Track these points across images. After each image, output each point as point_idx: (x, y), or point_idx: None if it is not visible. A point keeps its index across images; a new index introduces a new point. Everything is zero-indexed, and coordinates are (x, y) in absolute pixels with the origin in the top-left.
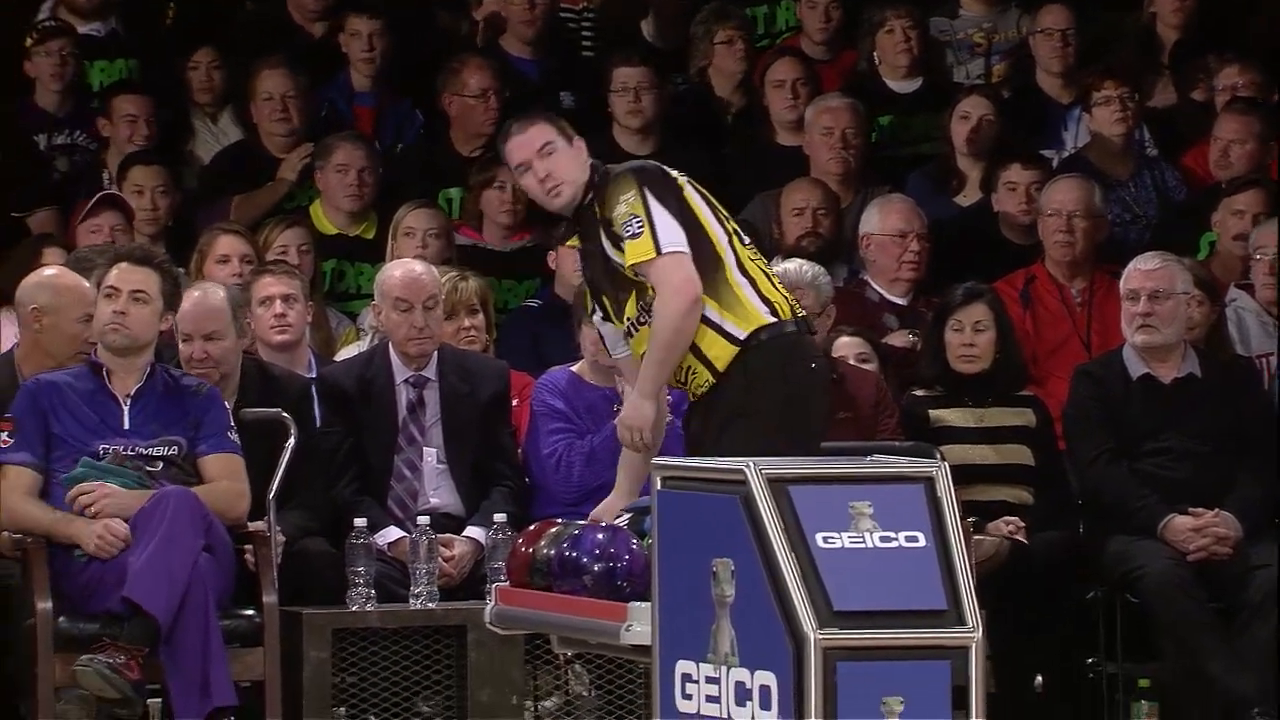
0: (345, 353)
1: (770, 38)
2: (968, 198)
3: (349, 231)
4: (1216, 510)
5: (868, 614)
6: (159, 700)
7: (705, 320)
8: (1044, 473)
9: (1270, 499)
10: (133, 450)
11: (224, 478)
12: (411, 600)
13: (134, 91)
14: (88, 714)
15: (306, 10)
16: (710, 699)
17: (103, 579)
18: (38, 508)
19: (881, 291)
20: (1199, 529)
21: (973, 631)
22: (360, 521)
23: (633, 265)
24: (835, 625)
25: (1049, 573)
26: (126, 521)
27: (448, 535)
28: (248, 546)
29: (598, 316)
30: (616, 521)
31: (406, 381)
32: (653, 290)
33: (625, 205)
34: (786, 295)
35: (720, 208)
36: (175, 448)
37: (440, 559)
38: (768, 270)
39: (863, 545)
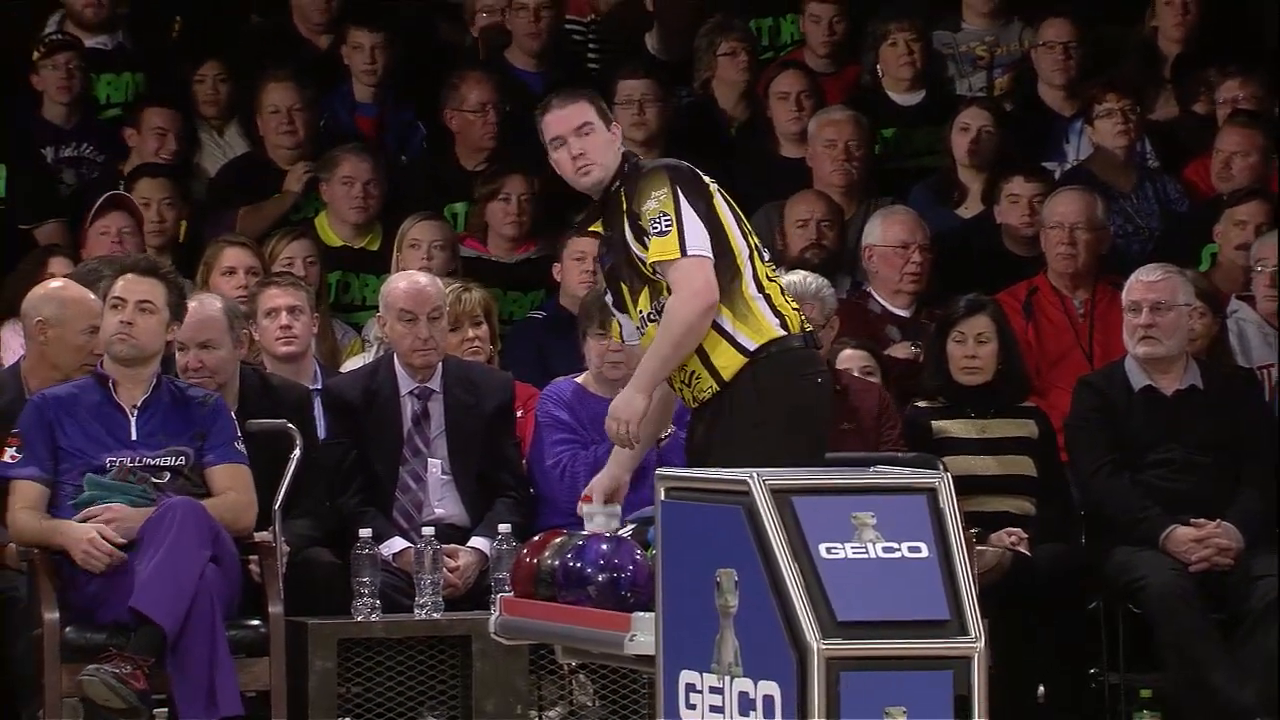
0: (351, 364)
1: (774, 50)
2: (969, 210)
3: (354, 243)
4: (1218, 521)
5: (871, 624)
6: (165, 710)
7: (717, 328)
8: (1046, 484)
9: (1272, 510)
10: (139, 461)
11: (231, 488)
12: (416, 610)
13: (160, 104)
14: None
15: (311, 23)
16: (714, 709)
17: (110, 589)
18: (33, 519)
19: (884, 303)
20: (1201, 540)
21: (975, 642)
22: (365, 532)
23: (654, 263)
24: (838, 635)
25: (1051, 583)
26: (135, 536)
27: (452, 546)
28: (253, 557)
29: (609, 299)
30: (620, 532)
31: (411, 393)
32: (668, 290)
33: (656, 202)
34: (796, 310)
35: (745, 221)
36: (182, 458)
37: (445, 569)
38: (781, 285)
39: (866, 556)
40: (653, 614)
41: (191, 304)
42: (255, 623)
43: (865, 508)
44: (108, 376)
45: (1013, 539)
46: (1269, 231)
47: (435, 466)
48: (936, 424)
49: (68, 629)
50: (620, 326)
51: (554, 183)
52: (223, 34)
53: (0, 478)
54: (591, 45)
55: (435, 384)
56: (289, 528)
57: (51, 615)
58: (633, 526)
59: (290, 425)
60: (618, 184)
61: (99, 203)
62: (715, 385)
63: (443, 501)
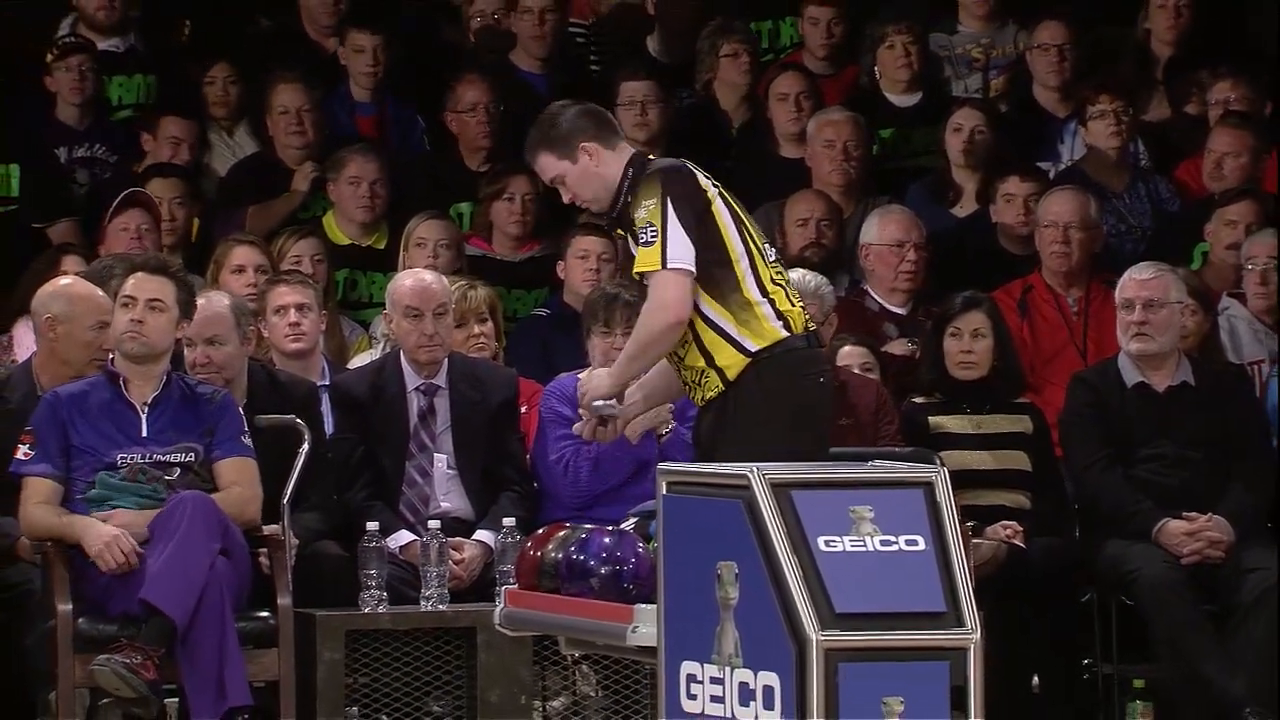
0: (358, 361)
1: (774, 53)
2: (964, 209)
3: (361, 242)
4: (1209, 515)
5: (868, 616)
6: (175, 700)
7: (718, 330)
8: (1041, 478)
9: (1262, 504)
10: (150, 458)
11: (236, 482)
12: (422, 602)
13: (178, 114)
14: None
15: (319, 26)
16: (714, 699)
17: (121, 582)
18: (49, 513)
19: (881, 301)
20: (1192, 533)
21: (971, 633)
22: (372, 526)
23: (637, 272)
24: (837, 627)
25: (1046, 576)
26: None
27: (458, 539)
28: (263, 550)
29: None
30: (623, 525)
31: (418, 389)
32: None
33: (645, 211)
34: (801, 310)
35: (748, 223)
36: (192, 454)
37: (450, 562)
38: (786, 285)
39: (863, 549)
40: (654, 606)
41: (199, 301)
42: (264, 614)
43: (863, 501)
44: (118, 374)
45: (1008, 532)
46: (1259, 230)
47: (441, 461)
48: (933, 419)
49: (80, 620)
50: None
51: None
52: (231, 36)
53: (13, 474)
54: (593, 48)
55: (441, 380)
56: (297, 521)
57: (65, 607)
58: (635, 520)
59: (298, 421)
60: (626, 192)
61: (118, 200)
62: (721, 385)
63: (448, 496)
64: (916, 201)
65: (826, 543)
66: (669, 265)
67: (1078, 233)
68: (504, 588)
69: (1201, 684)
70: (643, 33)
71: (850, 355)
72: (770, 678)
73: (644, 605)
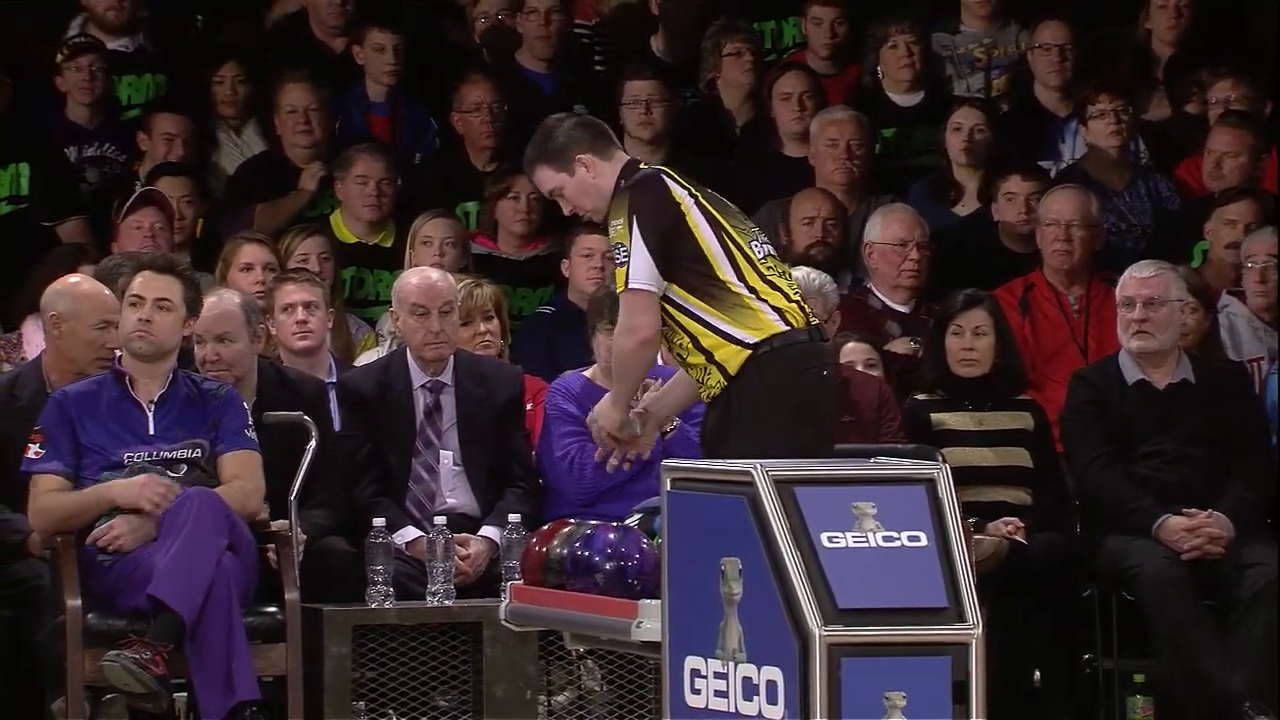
0: (365, 358)
1: (777, 53)
2: (966, 208)
3: (368, 240)
4: (1209, 511)
5: (871, 611)
6: (184, 695)
7: (711, 328)
8: (1042, 475)
9: (1262, 500)
10: (157, 455)
11: (239, 475)
12: (429, 598)
13: (171, 110)
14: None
15: (327, 26)
16: (718, 694)
17: (130, 577)
18: (64, 497)
19: (884, 299)
20: (1192, 529)
21: (973, 628)
22: (379, 521)
23: (615, 289)
24: (839, 622)
25: (1047, 571)
26: (153, 539)
27: (464, 535)
28: (270, 545)
29: None
30: (627, 522)
31: (424, 386)
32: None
33: (614, 231)
34: (801, 304)
35: (730, 221)
36: (198, 450)
37: (456, 558)
38: (784, 281)
39: (866, 545)
40: (659, 601)
41: (210, 299)
42: (272, 610)
43: (866, 498)
44: (125, 373)
45: (1009, 528)
46: (1259, 229)
47: (447, 458)
48: (935, 416)
49: (89, 616)
50: None
51: None
52: (241, 36)
53: (24, 473)
54: (598, 47)
55: (447, 377)
56: (305, 517)
57: (74, 602)
58: (639, 516)
59: (306, 418)
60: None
61: (132, 198)
62: (723, 380)
63: (454, 492)
64: (918, 200)
65: (829, 539)
66: (630, 285)
67: (1080, 231)
68: (509, 583)
69: (1201, 679)
70: (647, 33)
71: (853, 352)
72: (773, 672)
73: (648, 601)
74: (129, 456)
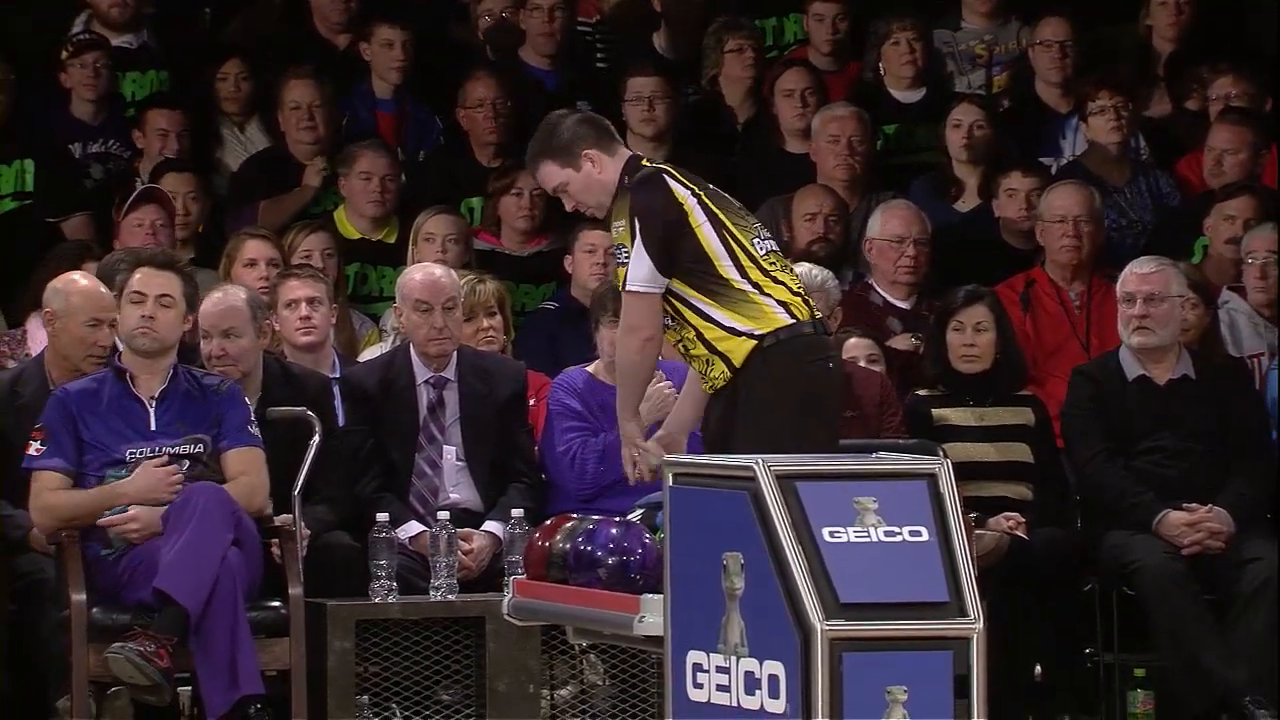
0: (368, 354)
1: (779, 49)
2: (966, 204)
3: (371, 236)
4: (1210, 506)
5: (872, 606)
6: (188, 688)
7: (715, 322)
8: (1043, 470)
9: (1262, 495)
10: (159, 451)
11: (244, 471)
12: (432, 592)
13: (166, 106)
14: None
15: (331, 23)
16: (720, 688)
17: (135, 571)
18: (69, 495)
19: (885, 295)
20: (1193, 524)
21: (974, 623)
22: (383, 516)
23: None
24: (841, 617)
25: (1048, 566)
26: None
27: (467, 530)
28: (274, 540)
29: None
30: (630, 517)
31: (427, 382)
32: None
33: (616, 232)
34: (805, 298)
35: (733, 218)
36: (201, 445)
37: (459, 553)
38: (787, 276)
39: (868, 540)
40: (661, 596)
41: (216, 294)
42: (276, 604)
43: (867, 493)
44: (125, 369)
45: (1010, 523)
46: (1259, 225)
47: (450, 453)
48: (937, 412)
49: (94, 610)
50: None
51: None
52: (245, 33)
53: (26, 470)
54: (601, 44)
55: (450, 373)
56: (309, 512)
57: (79, 596)
58: (641, 511)
59: (310, 413)
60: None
61: (133, 195)
62: (728, 371)
63: (457, 487)
64: (920, 196)
65: (831, 534)
66: (628, 287)
67: (1087, 225)
68: (512, 578)
69: (1202, 673)
70: (649, 29)
71: (855, 347)
72: (775, 667)
73: (650, 595)
74: (131, 452)
